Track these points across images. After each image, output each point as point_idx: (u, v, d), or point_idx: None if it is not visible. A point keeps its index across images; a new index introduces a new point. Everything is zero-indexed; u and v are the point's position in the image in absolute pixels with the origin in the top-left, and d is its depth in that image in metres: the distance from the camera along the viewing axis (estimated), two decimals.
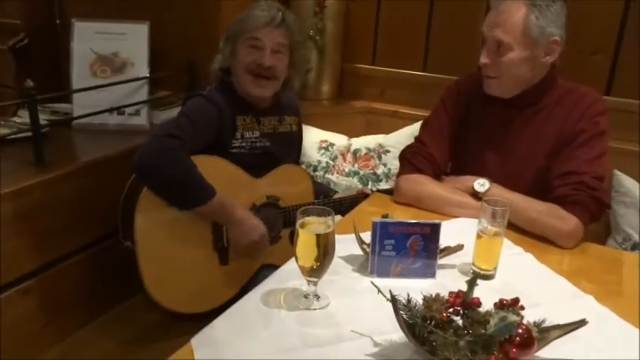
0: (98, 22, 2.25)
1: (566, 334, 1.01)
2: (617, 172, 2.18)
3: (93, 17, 2.27)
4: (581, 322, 1.02)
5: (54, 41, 2.50)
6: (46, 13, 2.49)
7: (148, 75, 2.26)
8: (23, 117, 2.03)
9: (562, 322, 1.02)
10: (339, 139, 2.55)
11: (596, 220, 1.56)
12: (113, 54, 2.24)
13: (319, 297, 1.18)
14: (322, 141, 2.52)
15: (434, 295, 1.01)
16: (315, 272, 1.15)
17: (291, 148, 2.01)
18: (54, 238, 1.79)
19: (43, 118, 2.03)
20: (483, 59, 1.62)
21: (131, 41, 2.25)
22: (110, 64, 2.24)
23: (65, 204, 1.81)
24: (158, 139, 1.60)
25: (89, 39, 2.22)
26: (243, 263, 1.76)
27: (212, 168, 1.66)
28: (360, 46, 2.76)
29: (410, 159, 1.74)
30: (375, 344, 1.05)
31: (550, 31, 1.55)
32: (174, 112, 2.25)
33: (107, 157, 1.95)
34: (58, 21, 2.48)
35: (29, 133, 1.83)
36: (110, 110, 2.18)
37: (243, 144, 1.77)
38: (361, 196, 1.95)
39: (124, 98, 2.21)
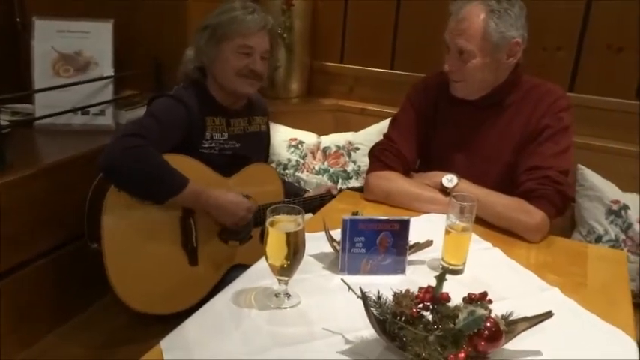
0: (60, 20, 2.19)
1: (532, 326, 1.03)
2: (581, 167, 2.23)
3: (54, 15, 2.21)
4: (548, 314, 1.04)
5: (14, 40, 2.43)
6: (5, 11, 2.42)
7: (112, 74, 2.22)
8: None
9: (529, 314, 1.04)
10: (308, 137, 2.55)
11: (562, 213, 1.59)
12: (76, 53, 2.20)
13: (290, 295, 1.18)
14: (292, 139, 2.52)
15: (404, 291, 1.01)
16: (285, 271, 1.15)
17: (260, 149, 2.01)
18: (18, 242, 1.74)
19: (4, 119, 1.98)
20: (448, 67, 1.64)
21: (95, 40, 2.20)
22: (73, 63, 2.19)
23: (29, 207, 1.77)
24: (122, 139, 1.58)
25: (51, 38, 2.16)
26: (214, 263, 1.75)
27: (181, 167, 1.64)
28: (328, 44, 2.76)
29: (379, 156, 1.75)
30: (347, 341, 1.05)
31: (510, 35, 1.57)
32: (140, 111, 2.22)
33: (72, 159, 1.91)
34: (17, 19, 2.42)
35: None
36: (74, 110, 2.14)
37: (213, 145, 1.76)
38: (329, 196, 1.95)
39: (89, 98, 2.17)
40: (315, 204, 1.93)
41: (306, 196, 2.04)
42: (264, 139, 2.05)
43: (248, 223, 1.77)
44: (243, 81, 1.76)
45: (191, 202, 1.65)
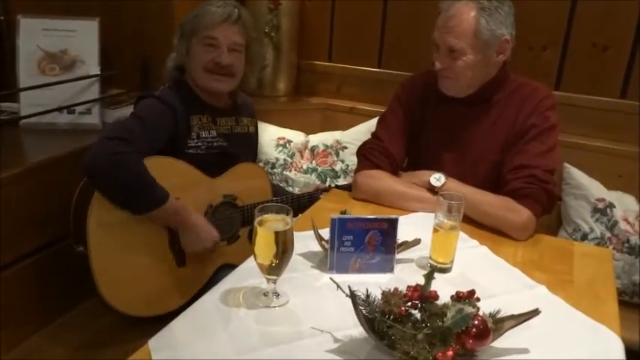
0: (45, 18, 2.17)
1: (520, 323, 1.04)
2: (567, 165, 2.25)
3: (39, 13, 2.19)
4: (535, 312, 1.05)
5: None
6: None
7: (98, 73, 2.20)
8: None
9: (516, 312, 1.05)
10: (296, 136, 2.55)
11: (548, 212, 1.61)
12: (62, 51, 2.17)
13: (279, 295, 1.18)
14: (279, 138, 2.51)
15: (392, 289, 1.02)
16: (274, 270, 1.15)
17: (248, 149, 2.00)
18: (4, 242, 1.72)
19: None
20: (438, 65, 1.64)
21: (81, 38, 2.18)
22: (59, 61, 2.17)
23: (13, 207, 1.74)
24: (107, 142, 1.56)
25: (36, 36, 2.14)
26: (201, 264, 1.74)
27: (167, 169, 1.63)
28: (316, 42, 2.76)
29: (367, 155, 1.76)
30: (336, 340, 1.05)
31: (501, 32, 1.58)
32: (126, 110, 2.20)
33: (57, 158, 1.89)
34: (2, 17, 2.38)
35: None
36: (60, 109, 2.11)
37: (200, 144, 1.75)
38: (319, 192, 1.95)
39: (75, 97, 2.15)
40: (303, 202, 1.92)
41: (294, 193, 2.04)
42: (252, 140, 2.04)
43: (232, 223, 1.75)
44: (209, 77, 1.74)
45: (167, 219, 1.63)
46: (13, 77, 2.16)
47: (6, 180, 1.71)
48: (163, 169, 1.60)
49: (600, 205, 2.15)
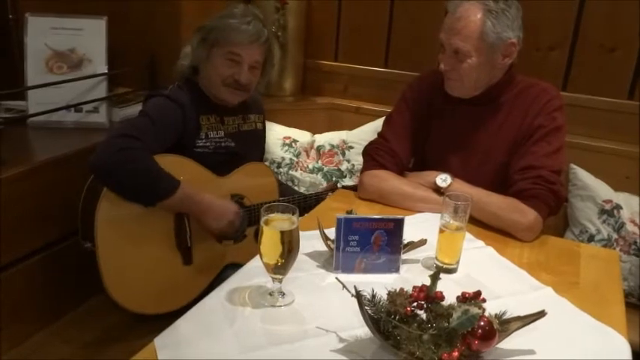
0: (53, 17, 2.18)
1: (526, 325, 1.03)
2: (574, 166, 2.24)
3: (48, 12, 2.20)
4: (541, 313, 1.05)
5: (7, 37, 2.42)
6: None
7: (106, 71, 2.21)
8: None
9: (522, 313, 1.04)
10: (302, 136, 2.55)
11: (555, 213, 1.60)
12: (70, 50, 2.18)
13: (284, 294, 1.18)
14: (286, 137, 2.51)
15: (398, 289, 1.02)
16: (279, 269, 1.15)
17: (255, 147, 2.00)
18: (11, 240, 1.73)
19: None
20: (443, 66, 1.64)
21: (88, 37, 2.19)
22: (66, 60, 2.18)
23: (22, 204, 1.76)
24: (114, 139, 1.57)
25: (44, 34, 2.15)
26: (208, 262, 1.75)
27: (175, 167, 1.63)
28: (322, 42, 2.76)
29: (373, 155, 1.75)
30: (341, 340, 1.05)
31: (507, 35, 1.57)
32: (134, 109, 2.21)
33: (65, 156, 1.90)
34: (10, 16, 2.40)
35: None
36: (67, 107, 2.12)
37: (208, 143, 1.75)
38: (325, 192, 1.95)
39: (82, 95, 2.16)
40: (310, 202, 1.92)
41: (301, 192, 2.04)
42: (260, 137, 2.05)
43: (240, 225, 1.76)
44: (226, 90, 1.75)
45: (182, 206, 1.64)
46: (21, 75, 2.17)
47: (14, 177, 1.72)
48: (171, 168, 1.61)
49: (607, 207, 2.14)
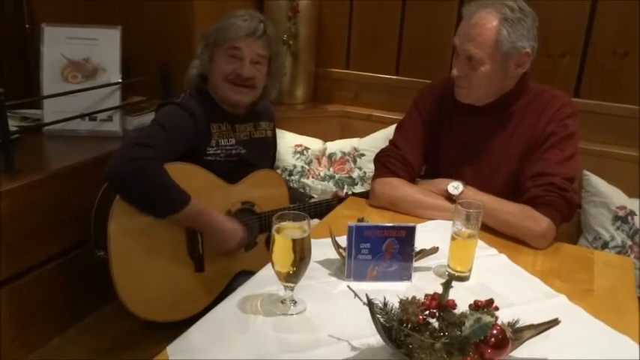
0: (69, 27, 2.21)
1: (539, 333, 1.03)
2: (587, 173, 2.23)
3: (63, 22, 2.23)
4: (554, 322, 1.04)
5: (23, 46, 2.46)
6: (15, 18, 2.44)
7: (120, 80, 2.23)
8: None
9: (535, 321, 1.04)
10: (314, 143, 2.56)
11: (568, 220, 1.59)
12: (84, 59, 2.21)
13: (296, 302, 1.18)
14: (297, 145, 2.52)
15: (410, 298, 1.01)
16: (291, 277, 1.15)
17: (265, 154, 2.01)
18: (25, 247, 1.75)
19: (13, 124, 1.99)
20: (455, 71, 1.63)
21: (103, 46, 2.22)
22: (81, 69, 2.21)
23: (36, 212, 1.78)
24: (128, 148, 1.58)
25: (60, 44, 2.18)
26: (220, 270, 1.75)
27: (186, 175, 1.64)
28: (333, 50, 2.77)
29: (384, 162, 1.76)
30: (353, 348, 1.05)
31: (521, 45, 1.56)
32: (147, 117, 2.23)
33: (79, 164, 1.92)
34: (27, 26, 2.44)
35: None
36: (82, 116, 2.15)
37: (219, 151, 1.76)
38: (336, 200, 1.96)
39: (96, 104, 2.18)
40: (320, 209, 1.93)
41: (311, 201, 2.04)
42: (270, 145, 2.06)
43: (247, 238, 1.78)
44: (230, 87, 1.75)
45: (191, 221, 1.65)
46: (36, 84, 2.20)
47: (29, 185, 1.75)
48: (182, 175, 1.62)
49: (621, 213, 2.12)
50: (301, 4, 2.55)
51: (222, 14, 1.80)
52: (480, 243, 1.39)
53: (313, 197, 2.18)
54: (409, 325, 0.98)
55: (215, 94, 1.80)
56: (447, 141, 1.77)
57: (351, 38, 2.74)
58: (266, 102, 1.98)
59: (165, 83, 2.33)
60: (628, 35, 2.22)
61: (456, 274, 1.31)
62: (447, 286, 1.02)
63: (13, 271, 1.73)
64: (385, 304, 1.01)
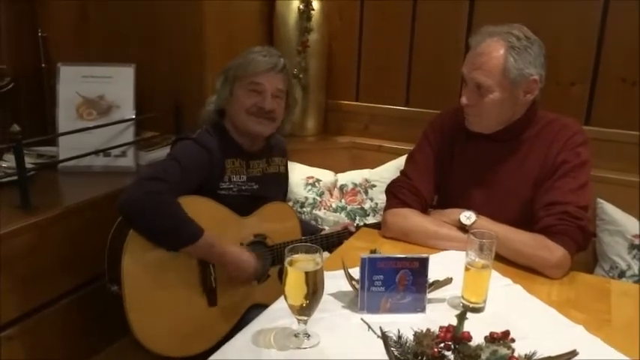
0: (84, 65, 2.27)
1: None
2: (601, 201, 2.21)
3: (78, 61, 2.29)
4: (572, 353, 1.03)
5: (39, 85, 2.51)
6: (32, 57, 2.50)
7: (133, 117, 2.27)
8: (9, 161, 2.02)
9: (553, 353, 1.02)
10: (325, 175, 2.57)
11: (583, 249, 1.58)
12: (99, 97, 2.26)
13: (309, 335, 1.17)
14: (309, 177, 2.53)
15: (424, 330, 1.01)
16: (304, 310, 1.15)
17: (278, 189, 2.02)
18: (40, 283, 1.77)
19: (29, 161, 2.02)
20: (464, 100, 1.65)
21: (117, 84, 2.27)
22: (96, 107, 2.25)
23: (51, 247, 1.79)
24: (143, 182, 1.60)
25: (75, 82, 2.23)
26: (233, 304, 1.75)
27: (198, 208, 1.66)
28: (343, 83, 2.81)
29: (396, 193, 1.76)
30: None
31: (529, 72, 1.57)
32: (160, 152, 2.26)
33: (94, 200, 1.94)
34: (43, 65, 2.50)
35: (15, 177, 1.82)
36: (96, 152, 2.18)
37: (232, 186, 1.78)
38: (347, 232, 1.96)
39: (110, 140, 2.22)
40: (332, 241, 1.93)
41: (322, 233, 2.04)
42: (283, 180, 2.07)
43: (261, 270, 1.78)
44: (253, 120, 1.78)
45: (204, 254, 1.66)
46: (52, 122, 2.25)
47: (45, 221, 1.77)
48: (195, 208, 1.63)
49: (637, 242, 2.10)
50: (311, 39, 2.59)
51: (232, 53, 1.84)
52: (494, 273, 1.38)
53: (324, 229, 2.18)
54: (424, 358, 0.97)
55: (234, 127, 1.82)
56: (458, 170, 1.77)
57: (361, 70, 2.78)
58: (279, 136, 2.00)
59: (178, 118, 2.37)
60: (637, 64, 2.22)
61: (471, 305, 1.30)
62: (461, 317, 1.01)
63: (28, 307, 1.74)
64: (399, 337, 1.01)
